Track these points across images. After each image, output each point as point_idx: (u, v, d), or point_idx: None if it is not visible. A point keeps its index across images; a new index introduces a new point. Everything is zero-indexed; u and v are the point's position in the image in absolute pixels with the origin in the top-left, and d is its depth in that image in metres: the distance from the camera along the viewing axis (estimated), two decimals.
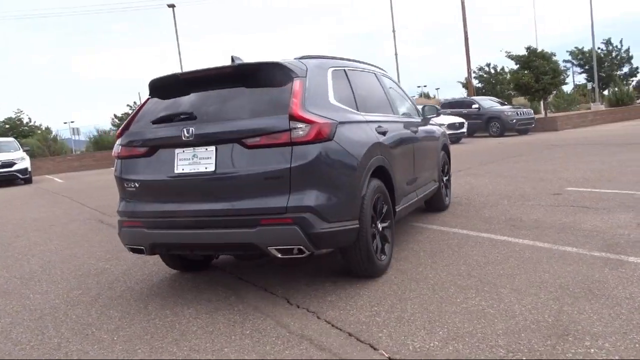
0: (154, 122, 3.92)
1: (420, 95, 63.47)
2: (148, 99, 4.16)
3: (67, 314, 3.95)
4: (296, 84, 3.62)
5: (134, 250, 4.00)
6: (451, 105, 23.84)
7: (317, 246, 3.47)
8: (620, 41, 48.22)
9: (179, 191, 3.72)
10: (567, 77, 41.76)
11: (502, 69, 46.61)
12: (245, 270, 4.67)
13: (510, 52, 25.92)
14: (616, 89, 36.93)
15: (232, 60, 4.05)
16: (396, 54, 34.30)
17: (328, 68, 4.12)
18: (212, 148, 3.60)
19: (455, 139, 20.51)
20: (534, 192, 7.59)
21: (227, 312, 3.66)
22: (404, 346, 2.89)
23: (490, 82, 47.16)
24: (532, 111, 23.86)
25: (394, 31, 33.18)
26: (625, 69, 48.56)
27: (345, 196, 3.64)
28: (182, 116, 3.80)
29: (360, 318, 3.34)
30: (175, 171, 3.70)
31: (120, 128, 4.08)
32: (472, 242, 4.97)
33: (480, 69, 46.68)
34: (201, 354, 3.03)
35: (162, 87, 4.11)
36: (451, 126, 20.00)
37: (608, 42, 47.47)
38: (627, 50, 48.20)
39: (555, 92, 28.89)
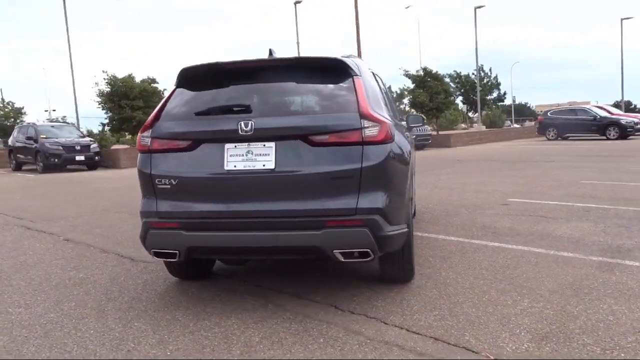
0: (198, 114, 3.56)
1: None
2: (175, 89, 3.77)
3: (79, 328, 3.44)
4: (358, 82, 3.51)
5: (161, 255, 3.59)
6: None
7: (381, 249, 3.37)
8: (490, 69, 53.19)
9: (228, 189, 3.41)
10: (457, 98, 44.96)
11: (389, 87, 49.10)
12: (249, 277, 4.40)
13: (408, 71, 27.39)
14: (489, 111, 40.62)
15: (270, 53, 3.83)
16: None
17: (368, 68, 4.05)
18: (272, 144, 3.35)
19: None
20: (482, 202, 8.04)
21: (279, 320, 3.43)
22: (500, 348, 2.90)
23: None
24: (429, 128, 25.36)
25: (297, 43, 33.54)
26: (495, 94, 53.58)
27: (402, 199, 3.59)
28: (235, 109, 3.50)
29: (429, 322, 3.30)
30: (225, 167, 3.39)
31: (150, 119, 3.65)
32: (470, 249, 5.13)
33: None
34: None
35: (198, 77, 3.76)
36: None
37: (480, 69, 52.10)
38: (496, 77, 53.29)
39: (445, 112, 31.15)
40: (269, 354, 2.94)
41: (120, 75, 23.05)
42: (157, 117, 3.61)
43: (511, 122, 55.16)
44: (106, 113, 23.94)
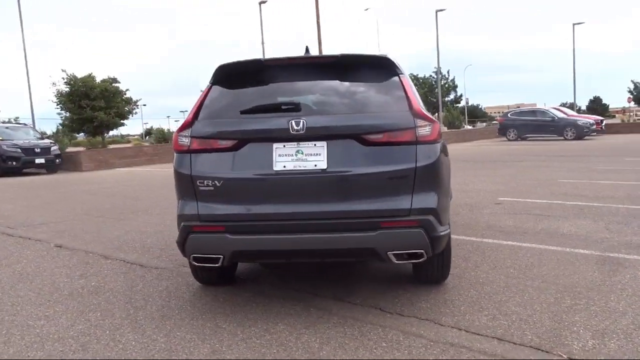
0: (243, 112, 3.42)
1: None
2: (211, 86, 3.61)
3: (118, 340, 3.24)
4: (404, 80, 3.46)
5: (202, 261, 3.42)
6: None
7: (434, 250, 3.33)
8: (448, 71, 54.23)
9: (277, 191, 3.28)
10: None
11: None
12: (277, 281, 4.28)
13: None
14: (447, 113, 41.45)
15: (307, 50, 3.73)
16: None
17: None
18: (323, 143, 3.25)
19: None
20: (474, 202, 8.14)
21: (330, 325, 3.33)
22: (567, 347, 2.90)
23: None
24: None
25: (262, 43, 33.22)
26: (452, 96, 54.69)
27: (448, 199, 3.56)
28: (283, 107, 3.38)
29: (483, 322, 3.28)
30: (275, 168, 3.27)
31: (189, 118, 3.47)
32: (486, 248, 5.16)
33: None
34: None
35: (236, 74, 3.61)
36: None
37: (438, 71, 53.14)
38: (453, 80, 54.42)
39: None
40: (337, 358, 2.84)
41: (80, 75, 22.21)
42: (196, 115, 3.45)
43: (465, 123, 56.43)
44: (65, 113, 23.04)
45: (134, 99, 24.88)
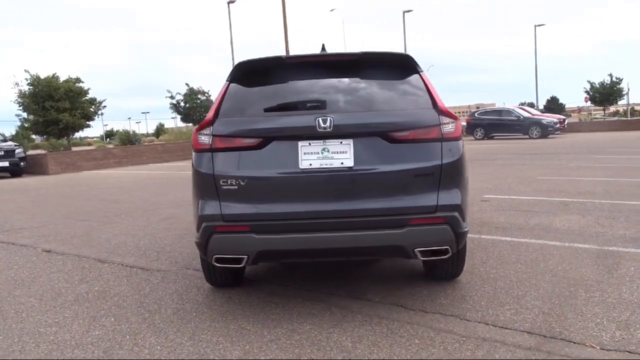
0: (267, 110, 3.36)
1: None
2: (229, 84, 3.55)
3: (141, 345, 3.15)
4: (425, 78, 3.47)
5: (224, 262, 3.35)
6: None
7: (458, 246, 3.35)
8: None
9: (304, 189, 3.24)
10: None
11: None
12: (286, 281, 4.23)
13: None
14: None
15: (323, 48, 3.71)
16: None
17: None
18: (349, 141, 3.23)
19: None
20: None
21: (356, 323, 3.32)
22: (597, 338, 2.97)
23: None
24: None
25: (231, 42, 32.87)
26: None
27: (467, 195, 3.59)
28: (308, 105, 3.34)
29: (508, 316, 3.32)
30: (301, 166, 3.23)
31: (210, 116, 3.39)
32: (487, 244, 5.23)
33: None
34: None
35: (256, 72, 3.56)
36: None
37: None
38: None
39: None
40: (376, 357, 2.82)
41: (43, 75, 21.49)
42: (217, 113, 3.37)
43: None
44: (26, 115, 22.26)
45: (98, 99, 24.23)
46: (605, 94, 48.93)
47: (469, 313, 3.40)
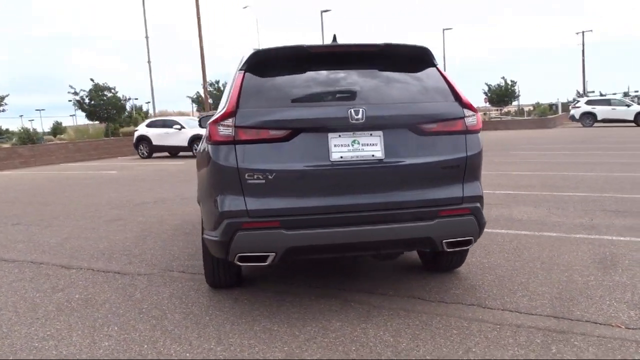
0: (295, 100, 3.22)
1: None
2: (244, 72, 3.36)
3: (165, 353, 2.92)
4: (441, 71, 3.50)
5: (249, 260, 3.18)
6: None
7: (479, 237, 3.42)
8: None
9: (334, 182, 3.15)
10: None
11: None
12: (288, 280, 4.12)
13: None
14: None
15: (334, 39, 3.63)
16: (149, 62, 31.90)
17: None
18: (379, 133, 3.18)
19: None
20: None
21: (385, 318, 3.29)
22: (616, 318, 3.14)
23: (218, 97, 48.67)
24: None
25: (147, 37, 31.34)
26: None
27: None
28: (338, 95, 3.24)
29: (526, 303, 3.44)
30: (331, 159, 3.13)
31: (231, 106, 3.19)
32: (485, 236, 5.32)
33: (212, 84, 47.78)
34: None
35: (275, 61, 3.40)
36: None
37: None
38: None
39: None
40: (424, 350, 2.81)
41: None
42: (237, 104, 3.19)
43: None
44: None
45: None
46: (501, 95, 52.46)
47: (488, 301, 3.48)
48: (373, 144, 3.16)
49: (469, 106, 3.36)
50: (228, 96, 3.33)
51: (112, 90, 40.90)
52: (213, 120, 3.22)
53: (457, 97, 3.36)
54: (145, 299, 3.81)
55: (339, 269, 4.34)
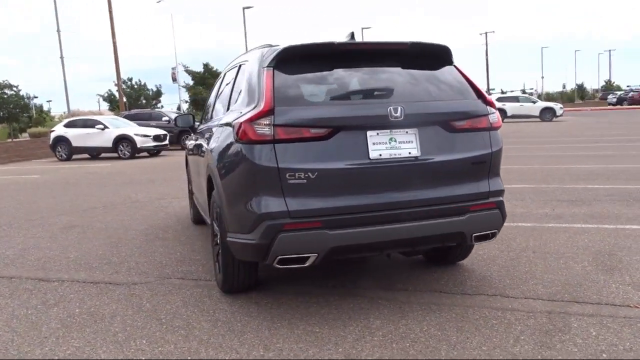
0: (335, 98, 3.18)
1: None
2: (273, 70, 3.26)
3: (209, 355, 2.79)
4: (460, 69, 3.60)
5: (289, 262, 3.11)
6: (137, 118, 22.82)
7: (501, 229, 3.56)
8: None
9: (374, 180, 3.15)
10: None
11: (144, 84, 47.00)
12: (299, 281, 4.08)
13: (187, 67, 26.71)
14: None
15: (352, 36, 3.64)
16: (62, 57, 29.70)
17: None
18: (415, 130, 3.22)
19: (157, 151, 19.99)
20: None
21: (420, 313, 3.34)
22: (630, 300, 3.40)
23: (132, 96, 46.68)
24: None
25: (58, 31, 29.31)
26: None
27: None
28: (376, 93, 3.23)
29: (543, 290, 3.63)
30: (370, 156, 3.13)
31: (267, 103, 3.08)
32: None
33: (124, 82, 45.65)
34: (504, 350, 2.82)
35: (303, 58, 3.33)
36: (156, 138, 19.39)
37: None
38: None
39: None
40: (476, 342, 2.89)
41: None
42: (272, 101, 3.09)
43: None
44: None
45: None
46: None
47: (507, 291, 3.63)
48: (409, 142, 3.20)
49: (491, 104, 3.48)
50: (257, 93, 3.22)
51: (15, 88, 38.06)
52: (247, 119, 3.10)
53: (479, 94, 3.47)
54: (159, 309, 3.60)
55: (345, 266, 4.33)
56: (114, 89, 42.18)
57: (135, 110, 26.03)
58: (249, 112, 3.18)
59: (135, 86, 46.66)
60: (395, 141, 3.17)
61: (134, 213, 7.45)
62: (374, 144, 3.13)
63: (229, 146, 3.35)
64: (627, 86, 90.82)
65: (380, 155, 3.13)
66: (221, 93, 4.62)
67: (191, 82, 27.21)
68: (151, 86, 48.40)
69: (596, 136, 17.67)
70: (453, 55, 3.62)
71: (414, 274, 4.07)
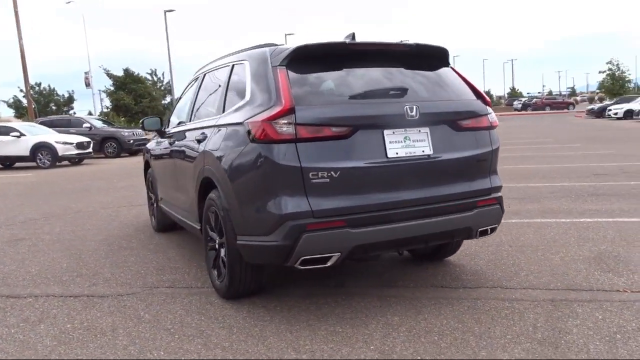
0: (353, 97, 3.18)
1: None
2: (286, 68, 3.22)
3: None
4: (456, 70, 3.74)
5: (312, 263, 3.08)
6: (54, 124, 21.52)
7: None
8: (163, 74, 52.74)
9: (391, 178, 3.19)
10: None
11: (54, 89, 44.46)
12: (304, 283, 4.06)
13: (108, 70, 25.50)
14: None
15: (353, 37, 3.68)
16: None
17: None
18: (427, 129, 3.30)
19: (80, 159, 18.97)
20: None
21: (437, 307, 3.42)
22: (617, 285, 3.67)
23: (41, 102, 43.91)
24: (144, 132, 24.24)
25: None
26: (168, 99, 53.78)
27: None
28: (391, 92, 3.27)
29: (538, 280, 3.83)
30: (388, 155, 3.17)
31: (288, 102, 3.03)
32: None
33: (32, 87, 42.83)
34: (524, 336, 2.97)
35: (315, 57, 3.31)
36: (79, 145, 18.36)
37: (153, 73, 51.59)
38: (169, 82, 53.53)
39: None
40: (499, 332, 3.00)
41: None
42: (291, 100, 3.06)
43: None
44: None
45: None
46: None
47: (504, 282, 3.81)
48: (422, 140, 3.27)
49: (489, 104, 3.64)
50: (270, 92, 3.16)
51: None
52: (266, 118, 3.04)
53: (478, 94, 3.62)
54: (161, 319, 3.44)
55: (336, 267, 4.33)
56: (20, 95, 39.57)
57: (53, 116, 24.49)
58: (264, 111, 3.12)
59: (44, 92, 43.96)
60: (410, 140, 3.24)
61: (82, 223, 7.02)
62: (390, 142, 3.18)
63: (240, 146, 3.26)
64: (528, 93, 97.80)
65: (397, 153, 3.19)
66: (205, 94, 4.50)
67: (111, 87, 25.98)
68: (62, 92, 45.77)
69: (512, 139, 18.84)
70: (449, 57, 3.75)
71: (408, 272, 4.16)
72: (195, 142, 4.04)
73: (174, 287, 4.10)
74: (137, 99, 25.45)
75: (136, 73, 25.84)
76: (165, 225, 6.07)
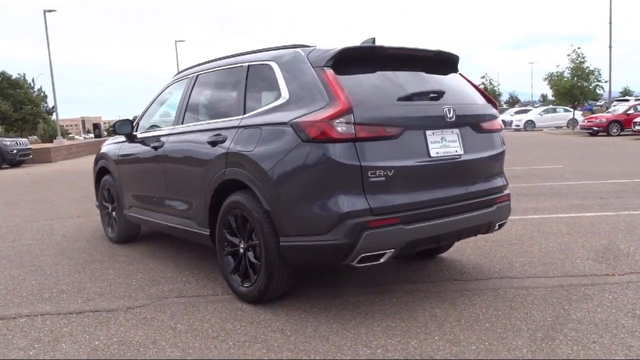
0: (401, 99, 3.29)
1: None
2: (331, 69, 3.27)
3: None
4: (464, 76, 4.02)
5: (368, 260, 3.15)
6: None
7: None
8: (33, 79, 48.56)
9: (433, 176, 3.36)
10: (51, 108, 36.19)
11: None
12: (313, 285, 4.10)
13: None
14: (45, 125, 37.92)
15: (374, 41, 3.84)
16: None
17: None
18: (457, 130, 3.52)
19: None
20: None
21: (461, 301, 3.62)
22: (606, 270, 4.14)
23: None
24: (28, 142, 22.18)
25: None
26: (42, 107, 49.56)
27: None
28: (431, 95, 3.44)
29: (536, 269, 4.20)
30: (431, 155, 3.35)
31: (346, 101, 3.06)
32: None
33: None
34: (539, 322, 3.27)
35: (357, 59, 3.38)
36: None
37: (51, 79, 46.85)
38: (41, 89, 49.38)
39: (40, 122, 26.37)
40: (530, 321, 3.27)
41: None
42: (347, 100, 3.12)
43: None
44: None
45: None
46: None
47: (507, 273, 4.14)
48: (454, 141, 3.49)
49: (496, 107, 3.96)
50: (320, 92, 3.18)
51: None
52: (325, 118, 3.06)
53: (488, 99, 3.92)
54: (199, 328, 3.29)
55: (333, 272, 4.40)
56: None
57: None
58: (316, 111, 3.14)
59: None
60: (445, 140, 3.44)
61: (17, 238, 6.36)
62: (431, 142, 3.36)
63: (287, 146, 3.23)
64: None
65: (437, 153, 3.37)
66: (205, 97, 4.38)
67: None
68: None
69: None
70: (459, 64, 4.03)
71: (406, 269, 4.34)
72: (207, 144, 3.90)
73: (184, 296, 3.91)
74: (17, 105, 23.14)
75: (14, 77, 23.49)
76: (128, 235, 5.71)
